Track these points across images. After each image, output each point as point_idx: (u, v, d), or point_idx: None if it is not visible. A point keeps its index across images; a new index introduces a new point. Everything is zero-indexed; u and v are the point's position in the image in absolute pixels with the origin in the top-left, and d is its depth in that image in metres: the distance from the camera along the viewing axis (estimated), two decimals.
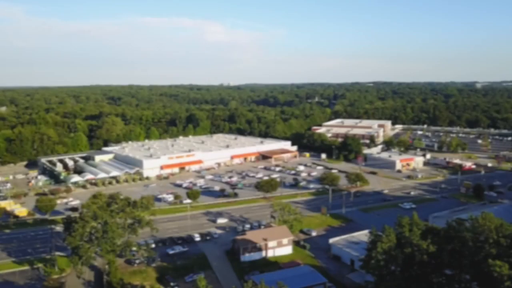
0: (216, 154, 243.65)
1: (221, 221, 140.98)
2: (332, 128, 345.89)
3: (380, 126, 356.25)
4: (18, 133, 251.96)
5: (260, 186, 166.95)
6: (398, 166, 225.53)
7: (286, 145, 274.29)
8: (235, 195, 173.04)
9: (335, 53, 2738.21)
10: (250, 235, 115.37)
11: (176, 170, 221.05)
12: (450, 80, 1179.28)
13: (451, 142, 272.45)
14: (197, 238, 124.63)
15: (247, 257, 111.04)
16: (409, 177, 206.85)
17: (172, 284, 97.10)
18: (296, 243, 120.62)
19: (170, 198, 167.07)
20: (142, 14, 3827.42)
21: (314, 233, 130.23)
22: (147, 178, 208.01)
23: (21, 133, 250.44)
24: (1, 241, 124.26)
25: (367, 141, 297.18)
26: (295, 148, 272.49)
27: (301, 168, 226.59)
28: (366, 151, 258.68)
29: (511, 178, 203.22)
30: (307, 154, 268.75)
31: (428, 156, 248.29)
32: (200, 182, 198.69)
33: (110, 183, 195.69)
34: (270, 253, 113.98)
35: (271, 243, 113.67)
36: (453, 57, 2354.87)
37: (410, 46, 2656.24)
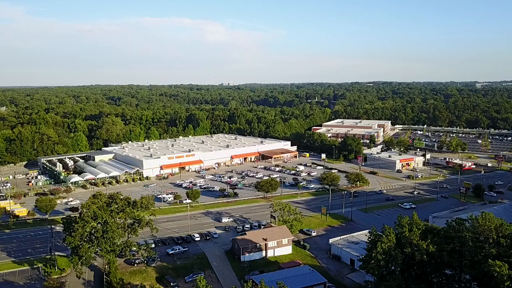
0: (216, 154, 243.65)
1: (226, 220, 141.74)
2: (332, 128, 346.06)
3: (380, 126, 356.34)
4: (18, 133, 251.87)
5: (260, 186, 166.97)
6: (398, 166, 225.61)
7: (286, 145, 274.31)
8: (235, 195, 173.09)
9: (335, 53, 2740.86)
10: (250, 235, 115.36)
11: (176, 170, 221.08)
12: (450, 80, 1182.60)
13: (451, 142, 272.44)
14: (197, 238, 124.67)
15: (247, 257, 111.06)
16: (409, 177, 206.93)
17: (172, 284, 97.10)
18: (296, 243, 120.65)
19: (170, 198, 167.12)
20: (142, 14, 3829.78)
21: (314, 233, 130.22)
22: (147, 178, 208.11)
23: (21, 133, 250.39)
24: (1, 241, 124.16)
25: (367, 141, 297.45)
26: (295, 148, 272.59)
27: (301, 168, 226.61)
28: (366, 151, 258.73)
29: (511, 178, 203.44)
30: (307, 154, 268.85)
31: (428, 156, 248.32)
32: (200, 182, 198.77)
33: (110, 183, 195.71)
34: (270, 253, 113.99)
35: (271, 243, 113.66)
36: (453, 57, 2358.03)
37: (410, 46, 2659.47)
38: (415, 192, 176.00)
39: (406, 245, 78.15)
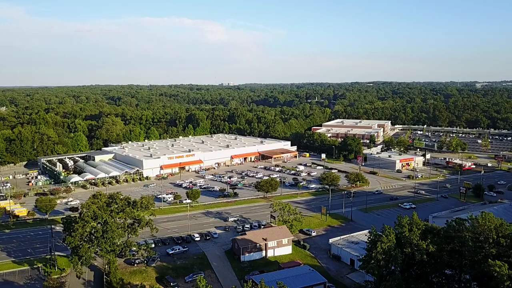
0: (216, 154, 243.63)
1: (232, 219, 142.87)
2: (332, 128, 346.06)
3: (380, 126, 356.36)
4: (18, 133, 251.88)
5: (260, 186, 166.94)
6: (398, 166, 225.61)
7: (286, 145, 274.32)
8: (235, 195, 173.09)
9: (335, 53, 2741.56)
10: (250, 235, 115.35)
11: (176, 170, 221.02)
12: (450, 80, 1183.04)
13: (451, 142, 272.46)
14: (197, 238, 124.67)
15: (247, 257, 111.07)
16: (409, 177, 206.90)
17: (172, 284, 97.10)
18: (296, 243, 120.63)
19: (170, 198, 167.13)
20: (142, 14, 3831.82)
21: (314, 233, 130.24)
22: (147, 178, 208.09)
23: (21, 133, 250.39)
24: (1, 241, 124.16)
25: (367, 141, 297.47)
26: (295, 148, 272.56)
27: (301, 168, 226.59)
28: (366, 151, 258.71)
29: (511, 178, 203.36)
30: (307, 154, 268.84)
31: (428, 156, 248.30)
32: (200, 182, 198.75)
33: (110, 183, 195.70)
34: (270, 253, 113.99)
35: (271, 243, 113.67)
36: (453, 57, 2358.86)
37: (410, 46, 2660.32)
38: (419, 192, 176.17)
39: (406, 245, 78.13)
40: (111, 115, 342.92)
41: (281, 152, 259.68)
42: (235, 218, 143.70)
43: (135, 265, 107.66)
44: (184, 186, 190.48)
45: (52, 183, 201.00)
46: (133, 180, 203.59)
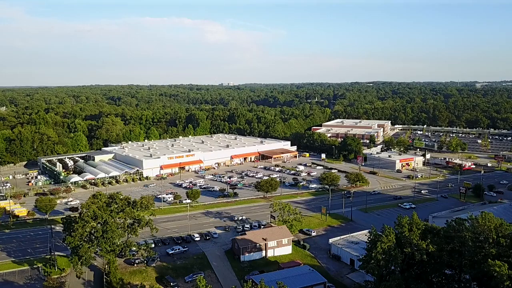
0: (216, 154, 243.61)
1: (236, 218, 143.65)
2: (332, 128, 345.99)
3: (380, 126, 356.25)
4: (18, 133, 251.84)
5: (260, 186, 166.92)
6: (398, 166, 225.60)
7: (286, 145, 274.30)
8: (235, 195, 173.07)
9: (335, 53, 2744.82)
10: (250, 235, 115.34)
11: (176, 170, 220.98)
12: (450, 80, 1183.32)
13: (451, 142, 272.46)
14: (197, 238, 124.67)
15: (247, 257, 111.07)
16: (409, 177, 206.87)
17: (172, 284, 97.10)
18: (296, 243, 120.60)
19: (170, 198, 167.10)
20: (142, 14, 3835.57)
21: (314, 233, 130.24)
22: (147, 178, 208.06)
23: (21, 133, 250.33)
24: (1, 241, 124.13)
25: (367, 141, 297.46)
26: (295, 148, 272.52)
27: (301, 168, 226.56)
28: (366, 151, 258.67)
29: (511, 178, 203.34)
30: (307, 154, 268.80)
31: (428, 156, 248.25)
32: (200, 182, 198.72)
33: (110, 183, 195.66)
34: (270, 253, 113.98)
35: (271, 243, 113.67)
36: (453, 57, 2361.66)
37: (410, 46, 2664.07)
38: (423, 191, 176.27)
39: (406, 245, 78.18)
40: (111, 115, 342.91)
41: (281, 152, 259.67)
42: (240, 217, 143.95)
43: (135, 265, 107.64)
44: (184, 186, 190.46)
45: (52, 183, 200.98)
46: (133, 180, 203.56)
